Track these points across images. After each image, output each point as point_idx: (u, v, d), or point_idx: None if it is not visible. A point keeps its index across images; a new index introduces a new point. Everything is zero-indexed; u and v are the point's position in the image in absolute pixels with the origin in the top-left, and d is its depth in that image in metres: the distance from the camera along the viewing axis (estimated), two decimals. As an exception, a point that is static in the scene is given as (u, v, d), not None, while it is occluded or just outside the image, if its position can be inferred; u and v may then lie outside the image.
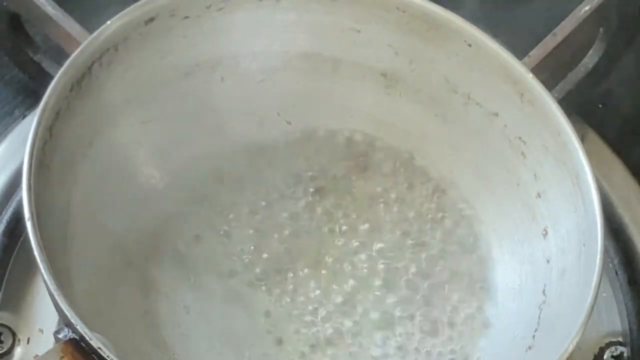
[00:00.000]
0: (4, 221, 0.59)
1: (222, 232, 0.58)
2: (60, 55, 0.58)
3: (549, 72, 0.58)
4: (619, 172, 0.64)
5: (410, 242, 0.58)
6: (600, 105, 0.66)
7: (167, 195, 0.58)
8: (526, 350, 0.52)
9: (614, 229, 0.61)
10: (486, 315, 0.56)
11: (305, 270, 0.57)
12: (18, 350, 0.56)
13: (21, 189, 0.48)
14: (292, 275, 0.57)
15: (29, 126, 0.50)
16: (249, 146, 0.60)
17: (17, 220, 0.58)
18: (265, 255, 0.58)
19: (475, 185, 0.59)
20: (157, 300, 0.55)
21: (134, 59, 0.55)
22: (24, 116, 0.64)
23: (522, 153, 0.56)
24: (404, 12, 0.57)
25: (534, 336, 0.53)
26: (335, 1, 0.57)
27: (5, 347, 0.56)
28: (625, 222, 0.62)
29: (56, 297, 0.46)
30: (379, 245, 0.58)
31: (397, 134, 0.60)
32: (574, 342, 0.48)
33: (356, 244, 0.58)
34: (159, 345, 0.54)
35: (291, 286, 0.57)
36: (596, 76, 0.63)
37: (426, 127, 0.59)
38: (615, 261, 0.61)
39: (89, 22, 0.57)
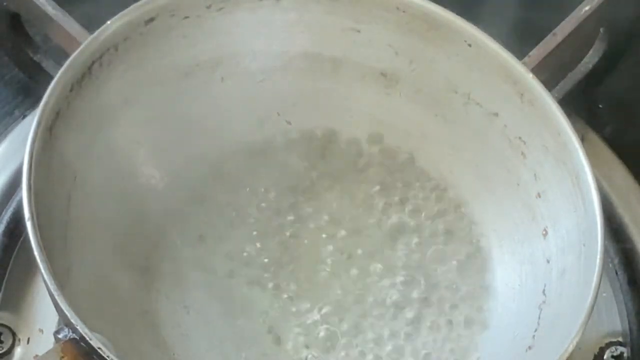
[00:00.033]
0: (4, 221, 0.59)
1: (222, 232, 0.58)
2: (60, 55, 0.58)
3: (549, 72, 0.58)
4: (619, 172, 0.64)
5: (409, 242, 0.58)
6: (600, 105, 0.66)
7: (167, 195, 0.58)
8: (526, 350, 0.52)
9: (614, 229, 0.61)
10: (486, 315, 0.56)
11: (305, 271, 0.57)
12: (18, 350, 0.56)
13: (21, 189, 0.48)
14: (291, 275, 0.57)
15: (29, 126, 0.50)
16: (249, 146, 0.60)
17: (17, 220, 0.58)
18: (265, 256, 0.58)
19: (475, 185, 0.59)
20: (157, 300, 0.55)
21: (134, 59, 0.55)
22: (24, 116, 0.64)
23: (522, 153, 0.56)
24: (404, 12, 0.57)
25: (534, 336, 0.53)
26: (335, 1, 0.57)
27: (5, 347, 0.56)
28: (625, 222, 0.62)
29: (56, 297, 0.46)
30: (379, 245, 0.58)
31: (397, 134, 0.60)
32: (574, 342, 0.48)
33: (356, 244, 0.58)
34: (159, 345, 0.54)
35: (291, 286, 0.57)
36: (596, 76, 0.63)
37: (426, 127, 0.59)
38: (615, 261, 0.61)
39: (89, 22, 0.57)
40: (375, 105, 0.60)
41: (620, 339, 0.59)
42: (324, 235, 0.58)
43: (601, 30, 0.61)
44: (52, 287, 0.46)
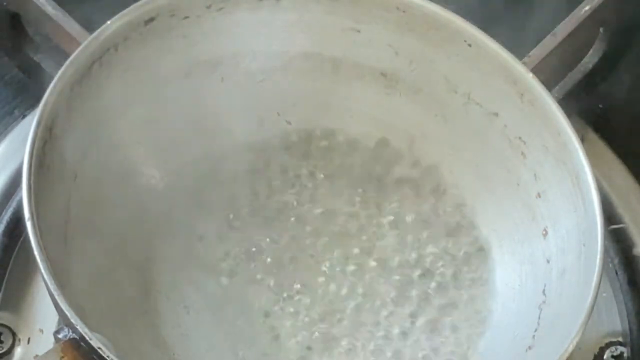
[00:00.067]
0: (4, 221, 0.59)
1: (222, 232, 0.58)
2: (60, 55, 0.58)
3: (549, 72, 0.58)
4: (619, 172, 0.64)
5: (409, 242, 0.58)
6: (600, 105, 0.66)
7: (167, 195, 0.58)
8: (526, 350, 0.52)
9: (614, 229, 0.61)
10: (486, 315, 0.56)
11: (306, 271, 0.57)
12: (18, 350, 0.56)
13: (21, 189, 0.48)
14: (292, 275, 0.57)
15: (29, 126, 0.50)
16: (249, 146, 0.60)
17: (17, 220, 0.58)
18: (265, 255, 0.58)
19: (475, 185, 0.59)
20: (157, 300, 0.55)
21: (134, 59, 0.55)
22: (24, 116, 0.64)
23: (522, 153, 0.56)
24: (404, 12, 0.57)
25: (534, 336, 0.53)
26: (335, 1, 0.57)
27: (5, 347, 0.56)
28: (625, 222, 0.62)
29: (56, 297, 0.46)
30: (379, 245, 0.58)
31: (397, 134, 0.60)
32: (574, 342, 0.48)
33: (356, 244, 0.58)
34: (159, 345, 0.54)
35: (291, 286, 0.57)
36: (596, 76, 0.63)
37: (426, 127, 0.59)
38: (615, 261, 0.61)
39: (89, 22, 0.57)
40: (375, 105, 0.60)
41: (620, 339, 0.59)
42: (324, 235, 0.58)
43: (601, 30, 0.61)
44: (52, 287, 0.46)
